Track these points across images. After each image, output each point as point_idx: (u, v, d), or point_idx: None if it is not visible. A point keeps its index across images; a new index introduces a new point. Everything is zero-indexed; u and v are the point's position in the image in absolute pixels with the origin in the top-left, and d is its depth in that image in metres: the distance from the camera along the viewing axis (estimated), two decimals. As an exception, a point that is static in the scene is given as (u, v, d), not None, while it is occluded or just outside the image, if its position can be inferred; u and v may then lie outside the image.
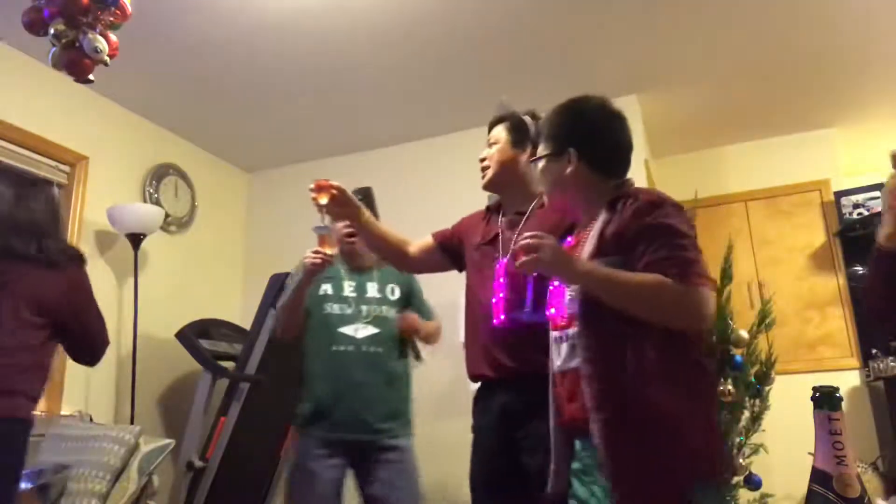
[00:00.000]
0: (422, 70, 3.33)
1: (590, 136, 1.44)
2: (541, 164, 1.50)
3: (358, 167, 4.10)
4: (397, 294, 2.56)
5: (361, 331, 2.42)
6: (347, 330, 2.41)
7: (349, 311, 2.44)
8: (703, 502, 1.20)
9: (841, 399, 0.85)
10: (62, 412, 2.94)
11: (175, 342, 3.26)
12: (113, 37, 1.93)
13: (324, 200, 1.81)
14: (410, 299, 2.60)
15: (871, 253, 1.45)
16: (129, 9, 1.94)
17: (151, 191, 3.68)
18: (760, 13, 2.97)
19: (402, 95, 3.57)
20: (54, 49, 1.89)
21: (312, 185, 1.81)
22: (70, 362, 3.05)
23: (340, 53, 3.12)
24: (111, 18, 1.90)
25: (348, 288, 2.49)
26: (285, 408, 2.70)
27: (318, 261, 2.24)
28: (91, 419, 2.92)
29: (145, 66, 3.16)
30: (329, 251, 2.27)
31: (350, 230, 2.43)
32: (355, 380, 2.36)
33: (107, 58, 1.90)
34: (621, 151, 1.46)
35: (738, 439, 2.43)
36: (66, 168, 3.24)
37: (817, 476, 0.84)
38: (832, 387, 0.87)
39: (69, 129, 3.23)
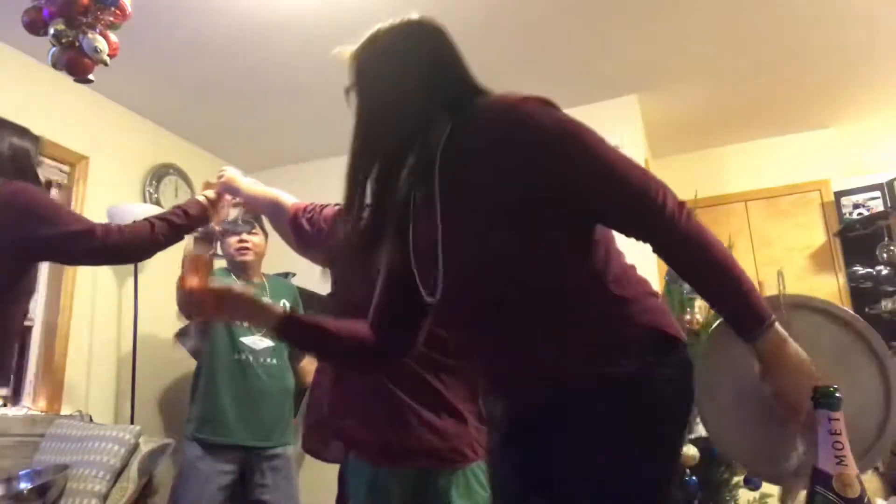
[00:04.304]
0: (422, 70, 3.33)
1: None
2: None
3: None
4: (288, 308, 2.66)
5: (259, 342, 2.56)
6: (247, 340, 2.54)
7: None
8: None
9: (841, 399, 0.85)
10: (62, 412, 2.94)
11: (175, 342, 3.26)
12: (113, 37, 1.93)
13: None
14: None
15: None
16: (129, 9, 1.94)
17: (151, 191, 3.68)
18: (760, 13, 2.97)
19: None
20: (54, 49, 1.89)
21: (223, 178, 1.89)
22: (70, 362, 3.06)
23: (340, 53, 3.12)
24: (111, 18, 1.90)
25: None
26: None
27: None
28: (91, 419, 2.92)
29: (145, 66, 3.16)
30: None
31: (243, 244, 2.55)
32: (254, 388, 2.49)
33: (107, 58, 1.90)
34: None
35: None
36: (66, 168, 3.24)
37: (817, 476, 0.84)
38: (832, 387, 0.86)
39: (69, 129, 3.22)
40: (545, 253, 1.01)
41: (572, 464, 1.00)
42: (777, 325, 0.95)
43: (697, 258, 0.98)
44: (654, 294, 1.08)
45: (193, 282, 1.22)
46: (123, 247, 1.70)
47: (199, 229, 1.93)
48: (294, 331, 1.23)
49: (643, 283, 1.09)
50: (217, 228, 2.05)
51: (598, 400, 0.98)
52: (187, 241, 1.98)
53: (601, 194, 1.00)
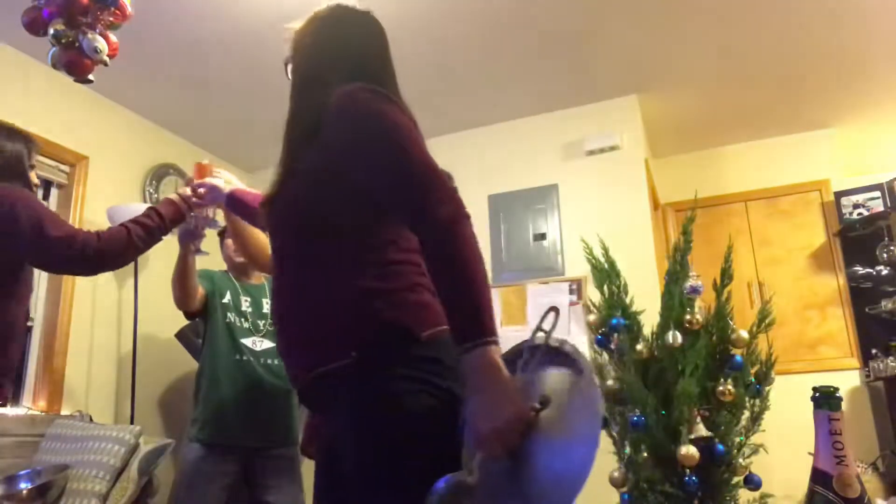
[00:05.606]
0: (422, 71, 3.33)
1: None
2: None
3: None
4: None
5: (259, 344, 2.57)
6: (247, 342, 2.56)
7: (247, 324, 2.59)
8: None
9: (841, 399, 0.85)
10: (62, 412, 2.94)
11: (175, 342, 3.26)
12: (113, 37, 1.93)
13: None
14: None
15: None
16: (129, 9, 1.94)
17: (151, 191, 3.68)
18: (760, 13, 2.97)
19: (403, 95, 3.57)
20: (54, 49, 1.89)
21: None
22: (70, 362, 3.06)
23: (340, 53, 3.12)
24: (111, 18, 1.90)
25: (245, 302, 2.64)
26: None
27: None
28: (91, 419, 2.92)
29: (145, 66, 3.16)
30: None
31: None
32: (257, 389, 2.49)
33: (106, 58, 1.90)
34: None
35: (738, 439, 2.43)
36: (66, 168, 3.24)
37: (817, 476, 0.84)
38: (832, 387, 0.86)
39: (69, 129, 3.22)
40: (321, 221, 1.07)
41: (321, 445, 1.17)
42: (494, 351, 0.91)
43: (450, 265, 0.97)
44: (413, 290, 1.05)
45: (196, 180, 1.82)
46: (102, 254, 1.67)
47: (181, 227, 1.93)
48: (233, 202, 1.64)
49: (410, 275, 1.06)
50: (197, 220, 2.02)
51: (329, 386, 1.03)
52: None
53: (378, 175, 1.05)
